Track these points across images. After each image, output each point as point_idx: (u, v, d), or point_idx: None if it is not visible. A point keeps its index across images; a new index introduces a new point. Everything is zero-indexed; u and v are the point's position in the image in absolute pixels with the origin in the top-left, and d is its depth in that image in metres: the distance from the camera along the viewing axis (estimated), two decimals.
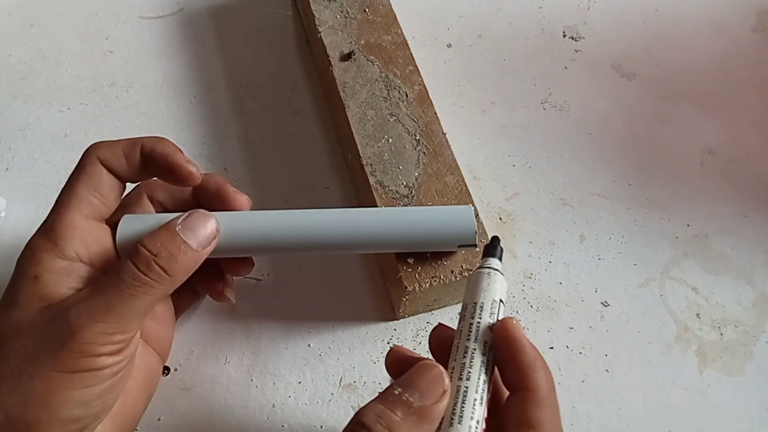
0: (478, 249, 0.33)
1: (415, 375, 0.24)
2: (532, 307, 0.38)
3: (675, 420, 0.35)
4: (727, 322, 0.38)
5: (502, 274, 0.28)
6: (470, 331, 0.26)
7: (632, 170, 0.43)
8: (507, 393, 0.26)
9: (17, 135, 0.44)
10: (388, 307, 0.38)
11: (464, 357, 0.25)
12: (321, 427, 0.34)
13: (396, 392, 0.24)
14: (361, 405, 0.35)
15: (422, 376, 0.24)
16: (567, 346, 0.37)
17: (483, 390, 0.25)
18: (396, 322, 0.38)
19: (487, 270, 0.28)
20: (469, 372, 0.25)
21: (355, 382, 0.36)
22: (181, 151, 0.31)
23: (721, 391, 0.36)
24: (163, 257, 0.28)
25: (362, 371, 0.36)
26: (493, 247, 0.29)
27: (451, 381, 0.25)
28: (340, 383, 0.36)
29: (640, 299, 0.39)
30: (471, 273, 0.28)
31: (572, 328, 0.38)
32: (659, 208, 0.42)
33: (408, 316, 0.38)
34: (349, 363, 0.36)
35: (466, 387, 0.25)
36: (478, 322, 0.26)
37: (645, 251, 0.40)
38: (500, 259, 0.29)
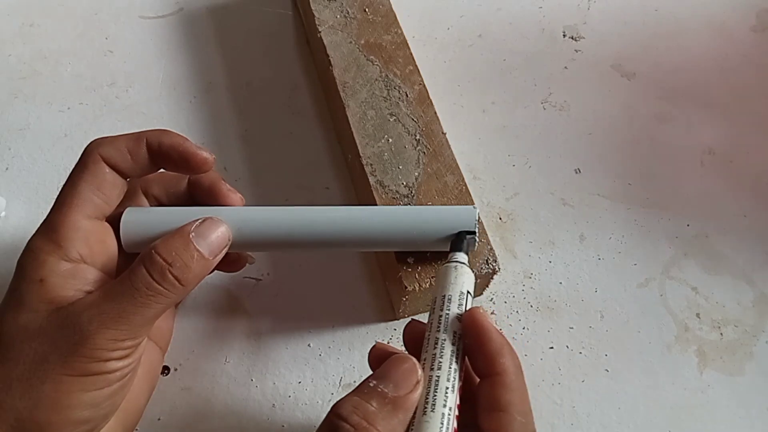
0: (477, 249, 0.33)
1: (389, 367, 0.25)
2: (532, 307, 0.38)
3: (675, 420, 0.35)
4: (727, 322, 0.38)
5: (468, 267, 0.29)
6: (440, 323, 0.27)
7: (632, 170, 0.43)
8: (478, 380, 0.27)
9: (17, 135, 0.44)
10: (388, 307, 0.38)
11: (435, 347, 0.26)
12: None
13: (371, 384, 0.25)
14: None
15: (396, 368, 0.25)
16: (567, 346, 0.37)
17: (454, 378, 0.26)
18: (396, 322, 0.38)
19: (454, 264, 0.28)
20: (440, 362, 0.26)
21: (355, 381, 0.36)
22: (188, 139, 0.30)
23: (721, 391, 0.36)
24: (178, 267, 0.27)
25: (362, 371, 0.36)
26: (459, 242, 0.30)
27: (423, 371, 0.26)
28: (340, 383, 0.36)
29: (640, 299, 0.39)
30: (439, 267, 0.29)
31: (572, 328, 0.38)
32: (659, 208, 0.42)
33: (408, 316, 0.38)
34: (349, 363, 0.36)
35: (438, 376, 0.25)
36: (447, 314, 0.27)
37: (645, 251, 0.40)
38: (466, 253, 0.29)
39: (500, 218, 0.41)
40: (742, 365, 0.37)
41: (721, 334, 0.38)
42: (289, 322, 0.37)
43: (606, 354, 0.37)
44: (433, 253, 0.33)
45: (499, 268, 0.34)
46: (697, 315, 0.38)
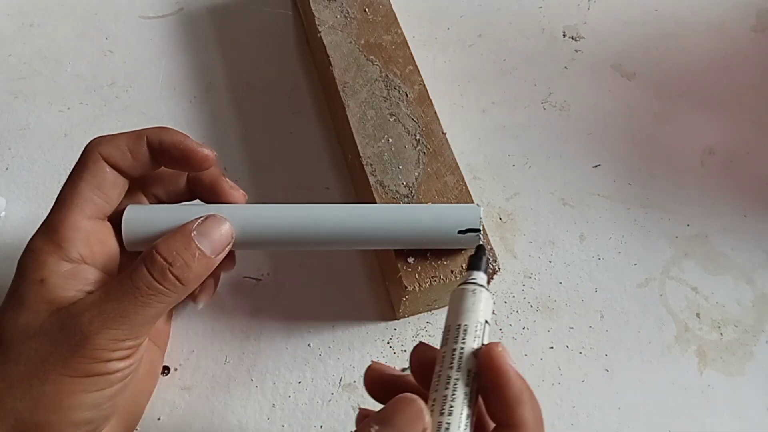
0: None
1: (393, 410, 0.23)
2: (532, 307, 0.38)
3: (675, 420, 0.35)
4: (727, 322, 0.38)
5: (488, 290, 0.26)
6: (453, 358, 0.24)
7: (632, 170, 0.43)
8: (492, 424, 0.25)
9: (17, 135, 0.44)
10: (388, 307, 0.38)
11: (446, 388, 0.24)
12: (321, 426, 0.34)
13: (373, 430, 0.22)
14: (361, 405, 0.35)
15: (401, 411, 0.23)
16: (567, 346, 0.37)
17: (466, 426, 0.23)
18: (396, 322, 0.38)
19: (471, 287, 0.26)
20: (452, 407, 0.23)
21: (355, 382, 0.36)
22: (189, 137, 0.30)
23: (721, 391, 0.36)
24: (178, 266, 0.27)
25: (362, 371, 0.36)
26: (477, 259, 0.27)
27: (432, 415, 0.23)
28: (340, 383, 0.36)
29: (640, 299, 0.39)
30: (454, 289, 0.26)
31: (572, 328, 0.38)
32: (659, 208, 0.42)
33: (408, 316, 0.38)
34: (349, 363, 0.36)
35: (448, 423, 0.23)
36: (462, 348, 0.24)
37: (645, 251, 0.40)
38: (485, 272, 0.26)
39: (500, 218, 0.41)
40: (742, 365, 0.37)
41: (721, 334, 0.38)
42: (289, 322, 0.37)
43: (606, 354, 0.37)
44: (433, 253, 0.33)
45: (499, 268, 0.34)
46: (697, 315, 0.38)
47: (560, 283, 0.39)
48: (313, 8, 0.43)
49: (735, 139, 0.45)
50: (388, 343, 0.37)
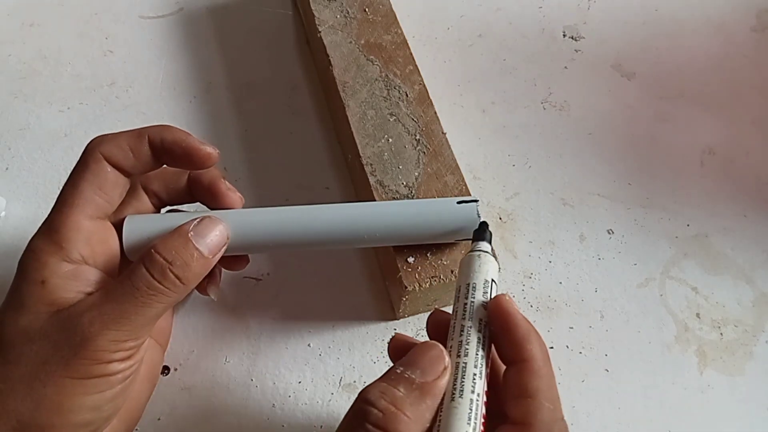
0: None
1: (416, 354, 0.25)
2: (532, 307, 0.38)
3: (675, 420, 0.35)
4: (727, 321, 0.38)
5: (492, 255, 0.29)
6: (465, 311, 0.27)
7: (632, 170, 0.43)
8: (504, 367, 0.27)
9: (17, 135, 0.44)
10: (388, 307, 0.38)
11: (461, 335, 0.26)
12: (321, 427, 0.34)
13: (398, 371, 0.24)
14: None
15: (423, 354, 0.25)
16: (567, 346, 0.37)
17: (481, 365, 0.26)
18: (396, 322, 0.38)
19: (477, 253, 0.28)
20: (467, 348, 0.26)
21: (355, 381, 0.36)
22: (191, 134, 0.30)
23: (721, 391, 0.36)
24: (178, 265, 0.27)
25: (362, 371, 0.36)
26: (481, 231, 0.30)
27: (450, 358, 0.26)
28: (340, 383, 0.36)
29: (640, 299, 0.39)
30: (463, 257, 0.29)
31: (572, 328, 0.38)
32: (659, 208, 0.42)
33: (408, 316, 0.38)
34: (349, 363, 0.36)
35: (465, 363, 0.25)
36: (472, 302, 0.27)
37: (645, 251, 0.40)
38: (489, 243, 0.29)
39: (500, 218, 0.41)
40: (742, 365, 0.37)
41: (721, 334, 0.38)
42: (289, 322, 0.37)
43: (606, 354, 0.37)
44: (433, 253, 0.33)
45: (499, 268, 0.34)
46: (697, 315, 0.38)
47: (560, 283, 0.39)
48: (313, 8, 0.43)
49: (735, 139, 0.45)
50: (388, 343, 0.37)
